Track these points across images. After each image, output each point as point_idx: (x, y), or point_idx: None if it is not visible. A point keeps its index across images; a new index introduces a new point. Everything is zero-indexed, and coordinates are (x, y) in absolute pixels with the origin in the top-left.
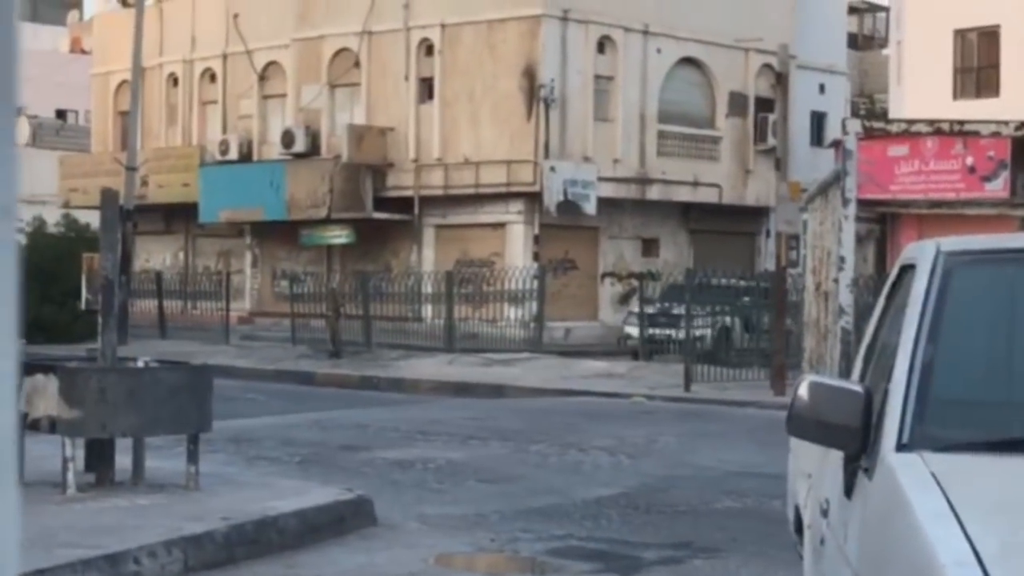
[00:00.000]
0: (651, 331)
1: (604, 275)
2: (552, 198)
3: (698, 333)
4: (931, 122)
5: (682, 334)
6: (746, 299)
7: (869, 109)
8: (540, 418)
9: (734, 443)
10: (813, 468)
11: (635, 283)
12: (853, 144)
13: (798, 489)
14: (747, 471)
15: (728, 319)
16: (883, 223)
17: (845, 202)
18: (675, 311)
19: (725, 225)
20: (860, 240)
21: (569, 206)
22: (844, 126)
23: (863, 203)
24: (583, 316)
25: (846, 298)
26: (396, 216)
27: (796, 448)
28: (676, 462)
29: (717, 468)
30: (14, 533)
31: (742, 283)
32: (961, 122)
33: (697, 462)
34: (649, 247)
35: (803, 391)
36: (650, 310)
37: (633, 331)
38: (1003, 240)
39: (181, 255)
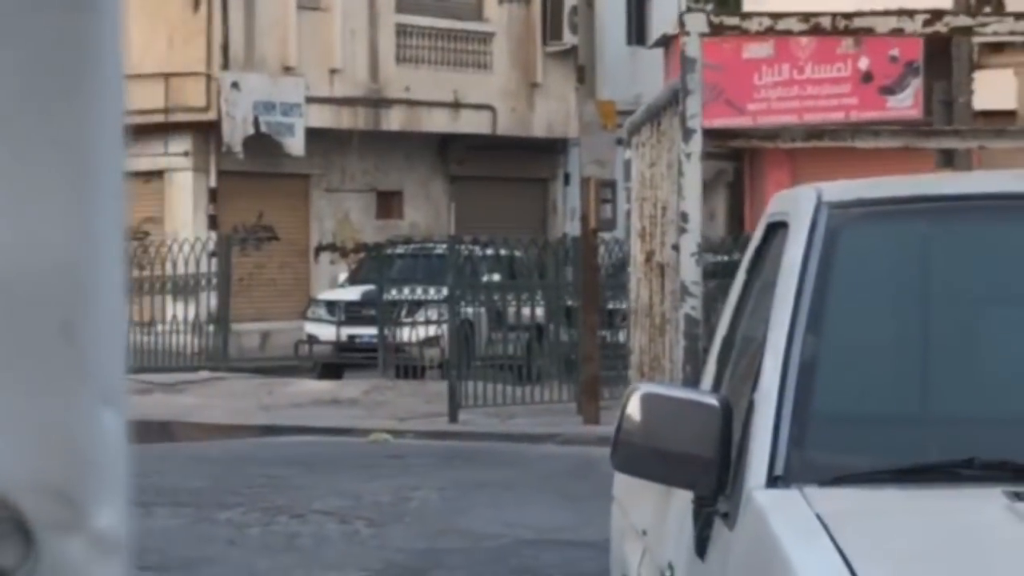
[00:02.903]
0: (348, 331)
1: (319, 248)
2: (236, 131)
3: (426, 333)
4: (806, 16)
5: (397, 335)
6: (495, 278)
7: None
8: (231, 470)
9: (526, 497)
10: (650, 522)
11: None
12: (696, 50)
13: (627, 555)
14: (547, 537)
15: (470, 310)
16: (739, 160)
17: (687, 134)
18: (391, 297)
19: (503, 167)
20: (705, 186)
21: (263, 142)
22: (682, 23)
23: (708, 133)
24: (288, 313)
25: (691, 272)
26: None
27: (623, 495)
28: (441, 529)
29: (502, 535)
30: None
31: (515, 254)
32: (849, 15)
33: (472, 528)
34: (388, 204)
35: (634, 407)
36: (350, 296)
37: (321, 331)
38: (910, 184)
39: None
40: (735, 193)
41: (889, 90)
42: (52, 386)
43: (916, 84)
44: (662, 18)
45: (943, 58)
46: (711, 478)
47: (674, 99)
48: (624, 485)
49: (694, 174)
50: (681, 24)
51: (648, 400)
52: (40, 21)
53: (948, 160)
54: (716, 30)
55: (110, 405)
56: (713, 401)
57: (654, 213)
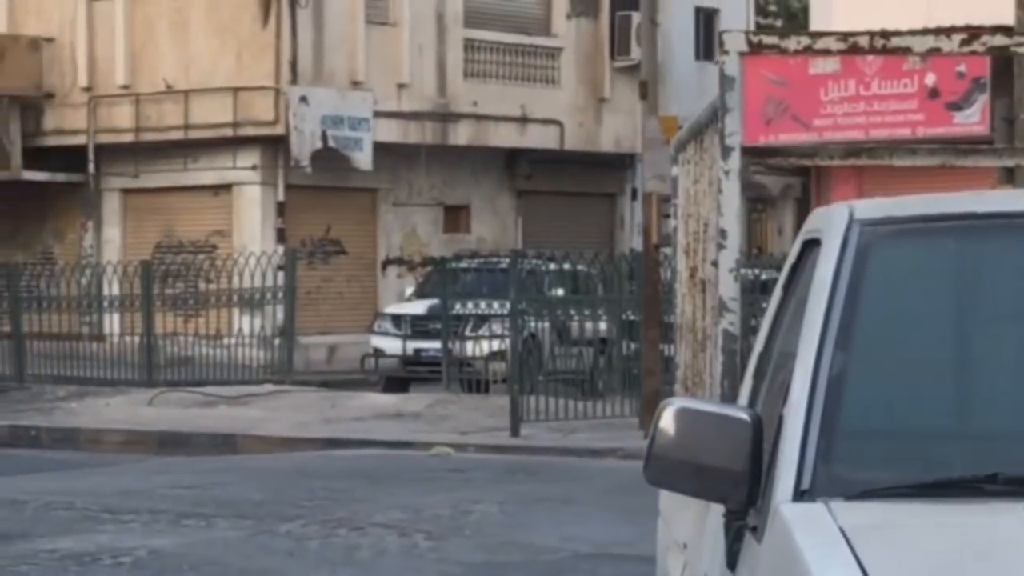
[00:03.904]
0: (413, 345)
1: (386, 262)
2: (304, 145)
3: (491, 347)
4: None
5: (463, 349)
6: (560, 292)
7: (783, 4)
8: (292, 483)
9: (586, 512)
10: (690, 536)
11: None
12: (735, 68)
13: (670, 569)
14: (605, 552)
15: (535, 325)
16: (807, 175)
17: (725, 152)
18: (456, 311)
19: (570, 182)
20: (773, 202)
21: (331, 156)
22: (721, 42)
23: (747, 150)
24: (355, 327)
25: (729, 288)
26: (59, 176)
27: (668, 510)
28: (500, 543)
29: (561, 549)
30: None
31: (579, 269)
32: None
33: (531, 541)
34: (455, 218)
35: (667, 421)
36: (416, 310)
37: (387, 345)
38: (941, 202)
39: None
40: (803, 208)
41: (956, 106)
42: None
43: (983, 100)
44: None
45: (1009, 74)
46: (741, 492)
47: (715, 117)
48: (668, 500)
49: (732, 191)
50: (720, 43)
51: (680, 415)
52: None
53: (1009, 177)
54: (755, 49)
55: None
56: (744, 415)
57: (697, 230)
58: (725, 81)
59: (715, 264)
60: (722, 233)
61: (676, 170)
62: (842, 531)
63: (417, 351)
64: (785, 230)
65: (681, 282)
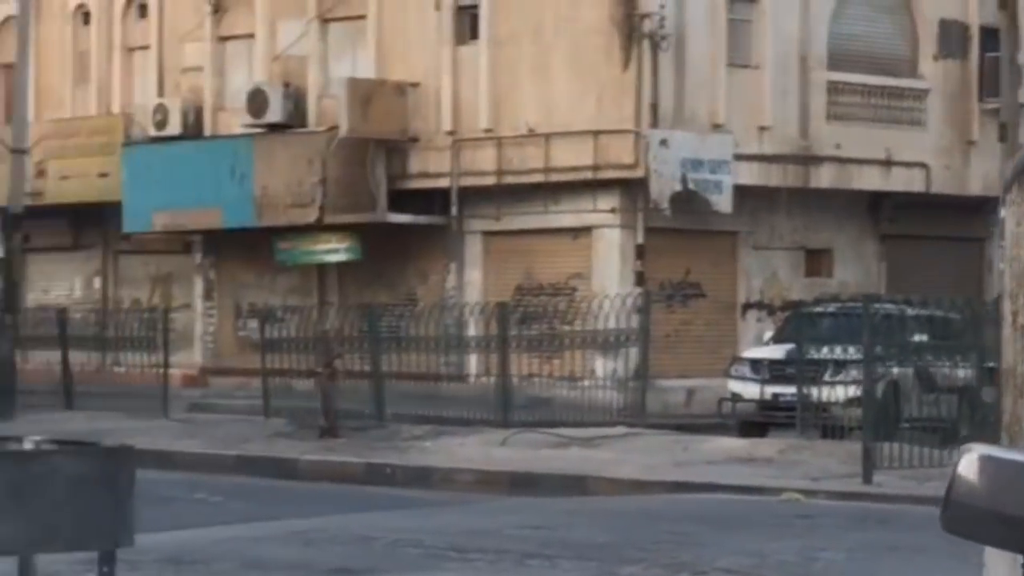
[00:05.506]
0: (771, 390)
1: (747, 306)
2: (664, 188)
3: (848, 393)
4: None
5: (820, 394)
6: (921, 338)
7: None
8: (638, 526)
9: (936, 562)
10: None
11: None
12: None
13: None
14: None
15: (896, 370)
16: None
17: None
18: (812, 355)
19: (936, 226)
20: None
21: (690, 199)
22: None
23: None
24: (713, 370)
25: None
26: (423, 219)
27: (991, 561)
28: None
29: None
30: None
31: (941, 314)
32: None
33: None
34: (817, 262)
35: (967, 468)
36: (773, 354)
37: (744, 389)
38: None
39: (97, 282)
40: None
41: None
42: None
43: None
44: None
45: None
46: None
47: None
48: (993, 550)
49: None
50: None
51: (981, 462)
52: None
53: None
54: None
55: None
56: None
57: (1021, 273)
58: None
59: None
60: None
61: (1003, 212)
62: None
63: (775, 395)
64: None
65: (1006, 327)
